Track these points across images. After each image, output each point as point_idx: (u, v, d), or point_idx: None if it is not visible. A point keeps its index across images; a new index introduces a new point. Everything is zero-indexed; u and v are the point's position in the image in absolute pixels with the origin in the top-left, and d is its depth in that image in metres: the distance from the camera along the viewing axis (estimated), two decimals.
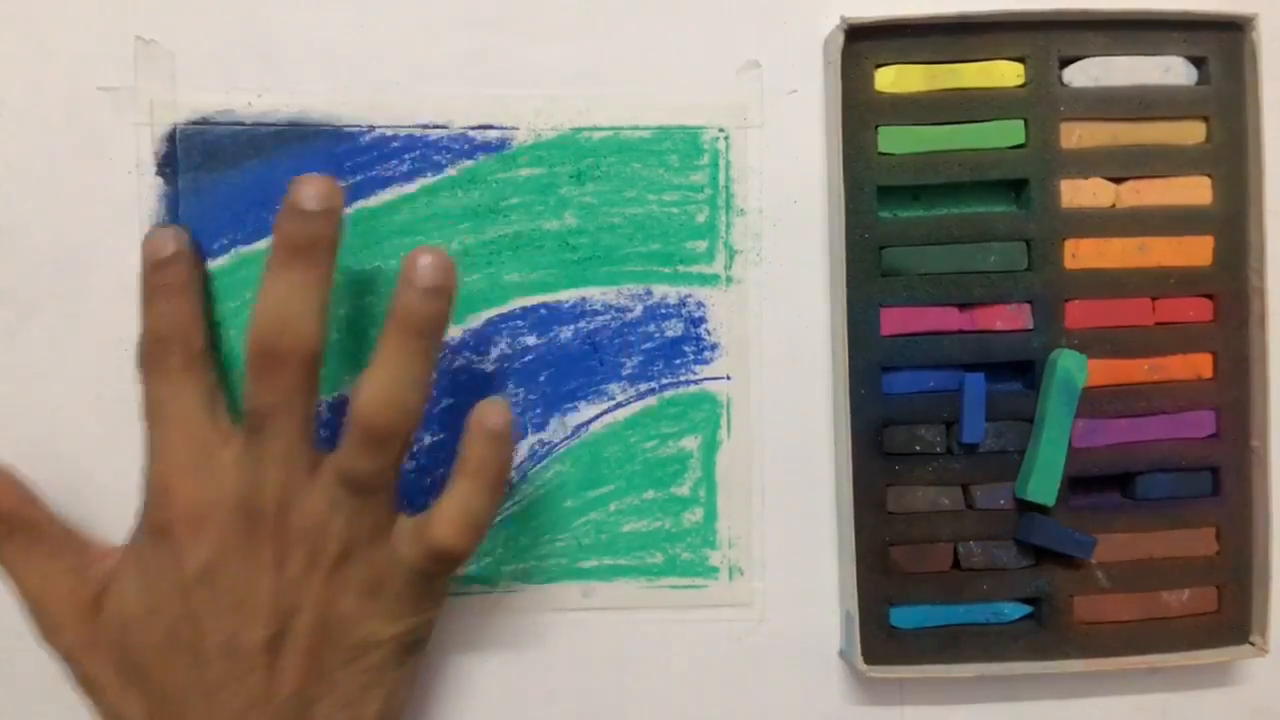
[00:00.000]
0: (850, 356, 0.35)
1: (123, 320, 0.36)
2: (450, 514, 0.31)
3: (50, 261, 0.35)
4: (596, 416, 0.37)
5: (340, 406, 0.36)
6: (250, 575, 0.29)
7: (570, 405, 0.37)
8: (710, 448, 0.37)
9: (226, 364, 0.35)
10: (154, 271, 0.33)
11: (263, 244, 0.36)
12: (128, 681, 0.30)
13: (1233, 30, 0.36)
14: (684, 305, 0.37)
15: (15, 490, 0.32)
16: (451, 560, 0.31)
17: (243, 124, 0.36)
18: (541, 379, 0.37)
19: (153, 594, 0.29)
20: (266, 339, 0.30)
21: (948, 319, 0.36)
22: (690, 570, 0.37)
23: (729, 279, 0.37)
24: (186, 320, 0.32)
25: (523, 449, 0.37)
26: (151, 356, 0.32)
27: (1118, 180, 0.36)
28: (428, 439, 0.36)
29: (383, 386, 0.30)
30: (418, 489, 0.36)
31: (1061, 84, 0.36)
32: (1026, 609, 0.37)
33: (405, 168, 0.36)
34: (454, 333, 0.36)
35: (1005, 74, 0.36)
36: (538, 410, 0.37)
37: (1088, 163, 0.36)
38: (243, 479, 0.30)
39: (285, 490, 0.30)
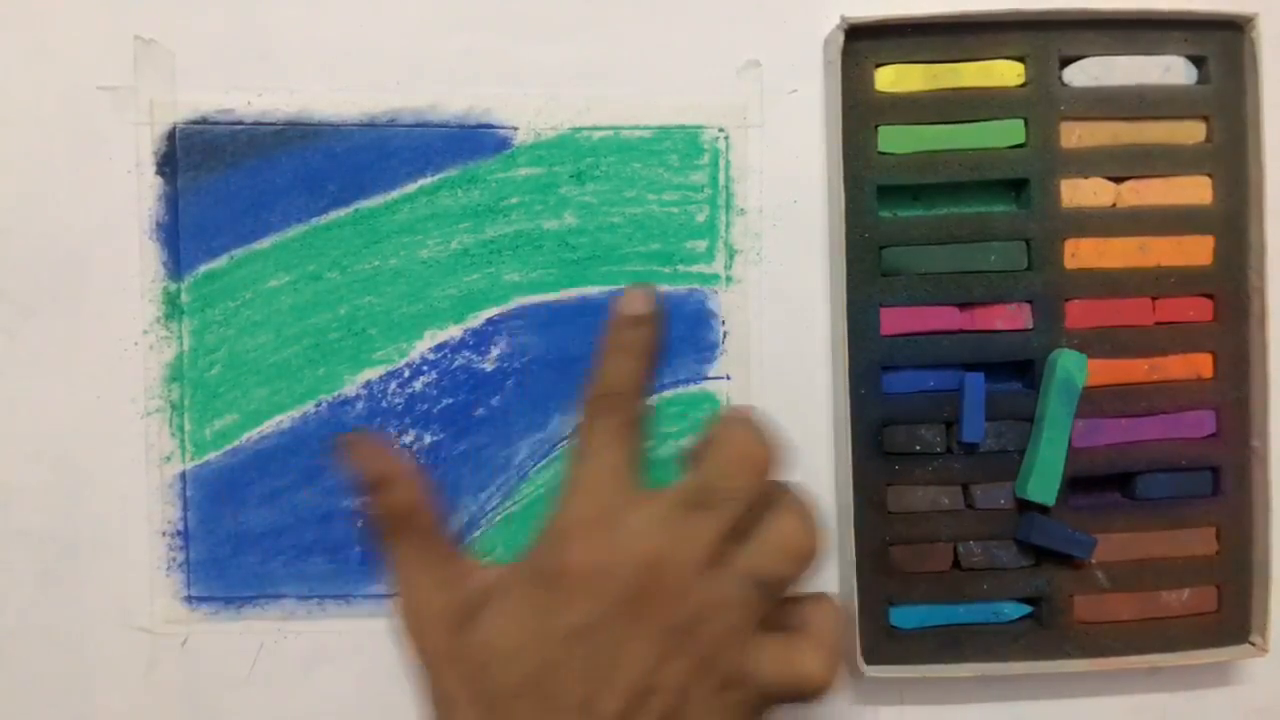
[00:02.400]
0: (850, 356, 0.35)
1: (123, 320, 0.36)
2: (819, 641, 0.30)
3: (50, 261, 0.35)
4: None
5: (340, 407, 0.36)
6: (627, 644, 0.28)
7: (570, 405, 0.37)
8: None
9: (227, 363, 0.35)
10: (626, 326, 0.33)
11: (262, 243, 0.36)
12: (478, 707, 0.29)
13: (1233, 30, 0.36)
14: (684, 305, 0.37)
15: (421, 491, 0.32)
16: (818, 696, 0.30)
17: (242, 123, 0.36)
18: (542, 378, 0.37)
19: (525, 634, 0.29)
20: (750, 434, 0.30)
21: (948, 319, 0.36)
22: None
23: (729, 279, 0.37)
24: (641, 382, 0.32)
25: (523, 449, 0.37)
26: (598, 404, 0.32)
27: (1118, 180, 0.36)
28: (428, 439, 0.36)
29: (807, 517, 0.30)
30: None
31: (1061, 83, 0.36)
32: (1026, 609, 0.37)
33: (405, 167, 0.36)
34: (454, 332, 0.36)
35: (1005, 73, 0.36)
36: (538, 410, 0.37)
37: (1088, 162, 0.36)
38: (655, 547, 0.29)
39: (694, 572, 0.29)
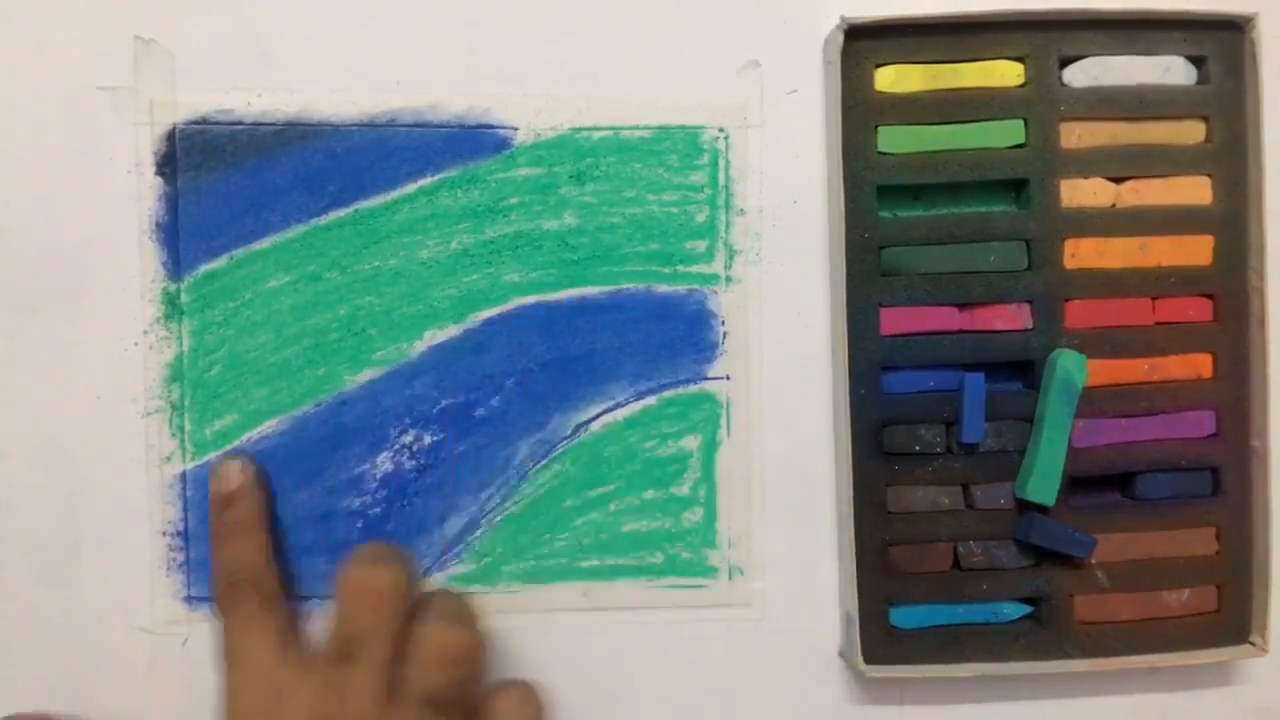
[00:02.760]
0: (850, 356, 0.35)
1: (123, 320, 0.36)
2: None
3: (50, 261, 0.35)
4: (596, 416, 0.37)
5: (340, 407, 0.36)
6: None
7: (570, 405, 0.37)
8: (710, 448, 0.37)
9: (227, 363, 0.36)
10: (222, 508, 0.34)
11: (262, 243, 0.36)
12: None
13: (1233, 30, 0.36)
14: (684, 305, 0.37)
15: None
16: None
17: (242, 124, 0.36)
18: (541, 379, 0.37)
19: None
20: (362, 571, 0.31)
21: (947, 319, 0.36)
22: (690, 570, 0.37)
23: (729, 279, 0.37)
24: (258, 560, 0.33)
25: (523, 449, 0.37)
26: (226, 599, 0.33)
27: (1118, 180, 0.36)
28: (428, 439, 0.36)
29: (444, 611, 0.31)
30: (419, 489, 0.36)
31: (1061, 84, 0.36)
32: (1026, 609, 0.37)
33: (405, 167, 0.36)
34: (453, 332, 0.36)
35: (1005, 74, 0.36)
36: (538, 410, 0.37)
37: (1088, 162, 0.36)
38: (326, 714, 0.30)
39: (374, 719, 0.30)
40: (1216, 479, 0.37)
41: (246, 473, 0.34)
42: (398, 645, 0.31)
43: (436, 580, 0.36)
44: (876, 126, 0.36)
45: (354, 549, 0.33)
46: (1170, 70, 0.36)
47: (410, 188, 0.36)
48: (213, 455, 0.36)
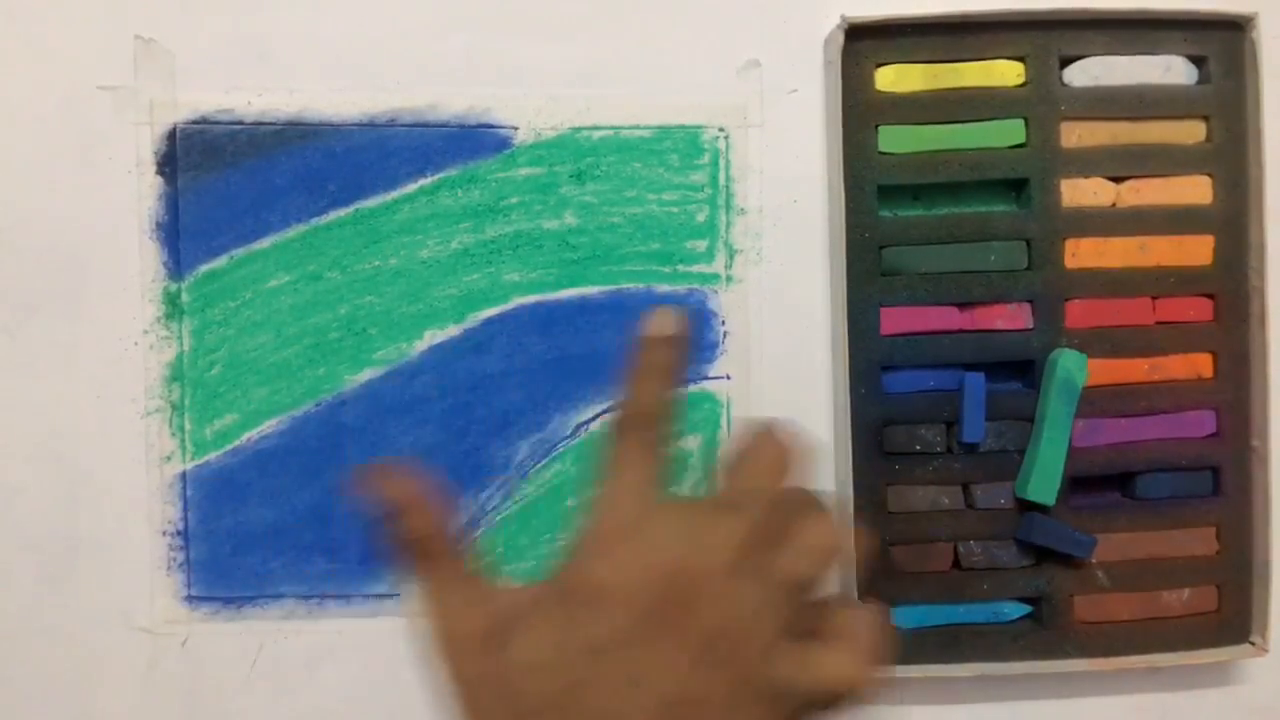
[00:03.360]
0: (850, 356, 0.35)
1: (123, 320, 0.36)
2: (851, 644, 0.29)
3: (50, 261, 0.35)
4: (597, 415, 0.37)
5: (340, 407, 0.36)
6: (656, 656, 0.28)
7: (570, 405, 0.37)
8: (710, 448, 0.37)
9: (228, 363, 0.35)
10: (654, 346, 0.33)
11: (262, 243, 0.36)
12: None
13: (1233, 30, 0.36)
14: (684, 305, 0.37)
15: (442, 515, 0.32)
16: (853, 699, 0.30)
17: (242, 123, 0.36)
18: (541, 378, 0.37)
19: (554, 651, 0.29)
20: (775, 440, 0.31)
21: (948, 318, 0.36)
22: None
23: (729, 278, 0.37)
24: (666, 403, 0.33)
25: (523, 449, 0.37)
26: (625, 423, 0.32)
27: (1118, 180, 0.36)
28: (428, 439, 0.36)
29: (825, 516, 0.30)
30: None
31: (1062, 83, 0.36)
32: (1026, 609, 0.37)
33: (405, 167, 0.36)
34: (453, 332, 0.36)
35: (1005, 73, 0.36)
36: (538, 410, 0.37)
37: (1088, 162, 0.36)
38: (679, 557, 0.29)
39: (720, 580, 0.29)
40: (1216, 479, 0.37)
41: (684, 324, 0.34)
42: (775, 521, 0.31)
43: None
44: (877, 126, 0.36)
45: (758, 424, 0.32)
46: (1170, 70, 0.36)
47: (410, 187, 0.36)
48: (212, 455, 0.36)
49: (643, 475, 0.31)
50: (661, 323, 0.33)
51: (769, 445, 0.31)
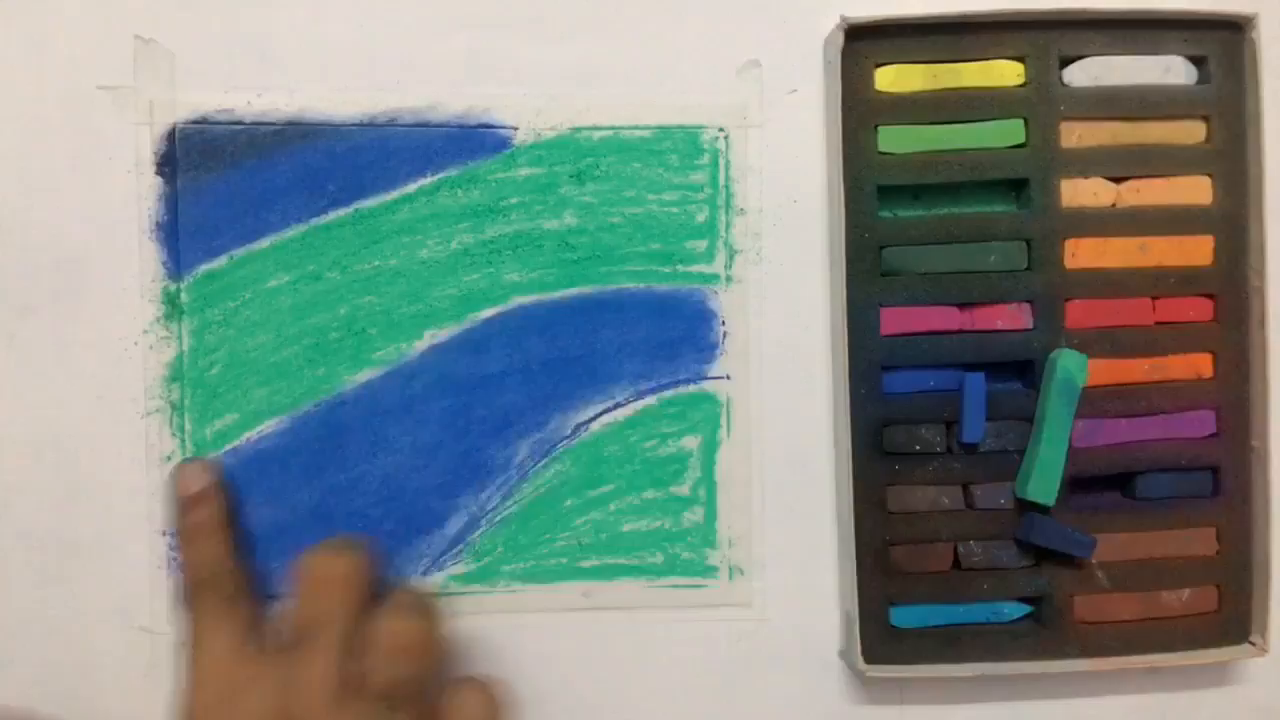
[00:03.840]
0: (850, 356, 0.35)
1: (123, 320, 0.36)
2: None
3: (50, 261, 0.35)
4: (596, 416, 0.37)
5: (340, 407, 0.36)
6: None
7: (570, 405, 0.37)
8: (710, 447, 0.37)
9: (227, 363, 0.36)
10: (185, 510, 0.34)
11: (261, 243, 0.36)
12: None
13: (1233, 30, 0.36)
14: (684, 305, 0.37)
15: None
16: None
17: (242, 123, 0.36)
18: (541, 379, 0.37)
19: None
20: (318, 559, 0.32)
21: (948, 319, 0.36)
22: (690, 570, 0.37)
23: (729, 279, 0.37)
24: (221, 561, 0.34)
25: (523, 448, 0.37)
26: (194, 590, 0.33)
27: (1118, 180, 0.36)
28: (428, 439, 0.36)
29: (408, 611, 0.31)
30: (419, 489, 0.36)
31: (1062, 83, 0.36)
32: (1026, 609, 0.37)
33: (405, 167, 0.36)
34: (453, 331, 0.36)
35: (1005, 73, 0.36)
36: (538, 410, 0.37)
37: (1088, 162, 0.36)
38: (277, 709, 0.30)
39: (329, 711, 0.30)
40: (1216, 479, 0.37)
41: (208, 474, 0.34)
42: (354, 636, 0.31)
43: (436, 580, 0.36)
44: (876, 126, 0.36)
45: (308, 555, 0.33)
46: (1170, 70, 0.36)
47: (410, 187, 0.36)
48: (212, 455, 0.36)
49: (226, 637, 0.32)
50: (187, 483, 0.34)
51: (316, 565, 0.32)
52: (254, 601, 0.34)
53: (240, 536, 0.35)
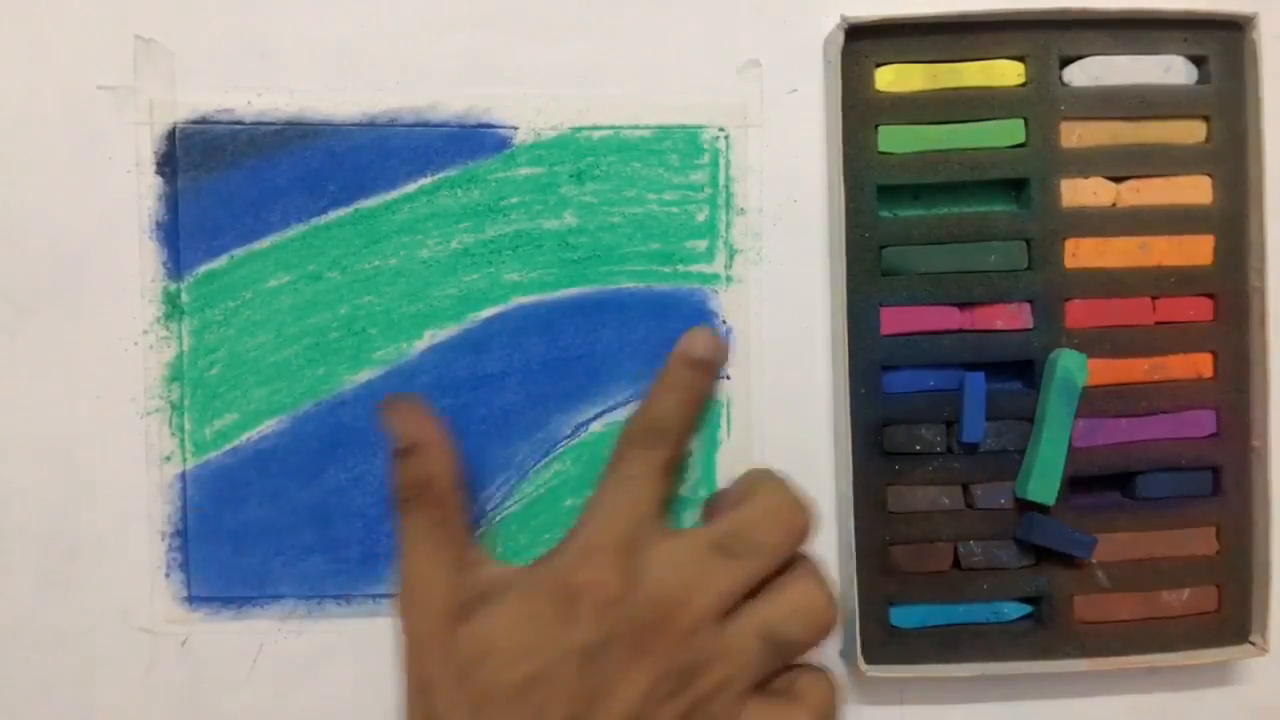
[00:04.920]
0: (850, 356, 0.35)
1: (123, 320, 0.36)
2: (813, 713, 0.30)
3: (50, 261, 0.35)
4: (597, 415, 0.37)
5: (340, 407, 0.36)
6: (625, 674, 0.28)
7: (570, 404, 0.37)
8: (710, 447, 0.37)
9: (227, 362, 0.36)
10: (685, 367, 0.33)
11: (262, 243, 0.36)
12: (462, 700, 0.28)
13: (1233, 30, 0.36)
14: (684, 305, 0.37)
15: (447, 466, 0.31)
16: None
17: (242, 123, 0.36)
18: (541, 378, 0.37)
19: (527, 639, 0.28)
20: (795, 498, 0.31)
21: (948, 318, 0.36)
22: None
23: (729, 278, 0.37)
24: (685, 428, 0.32)
25: (523, 449, 0.37)
26: (642, 436, 0.32)
27: (1118, 179, 0.36)
28: None
29: (827, 589, 0.30)
30: None
31: (1062, 83, 0.36)
32: (1026, 609, 0.37)
33: (405, 167, 0.36)
34: (453, 331, 0.36)
35: (1005, 73, 0.36)
36: (538, 410, 0.37)
37: (1088, 162, 0.36)
38: (673, 585, 0.29)
39: (706, 618, 0.29)
40: (1216, 479, 0.37)
41: (716, 348, 0.34)
42: (770, 574, 0.30)
43: None
44: (877, 126, 0.36)
45: (775, 474, 0.32)
46: (1171, 70, 0.36)
47: (410, 187, 0.36)
48: (212, 455, 0.36)
49: (651, 493, 0.31)
50: (697, 345, 0.33)
51: (782, 496, 0.30)
52: (678, 487, 0.33)
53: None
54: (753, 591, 0.30)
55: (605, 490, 0.31)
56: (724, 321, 0.37)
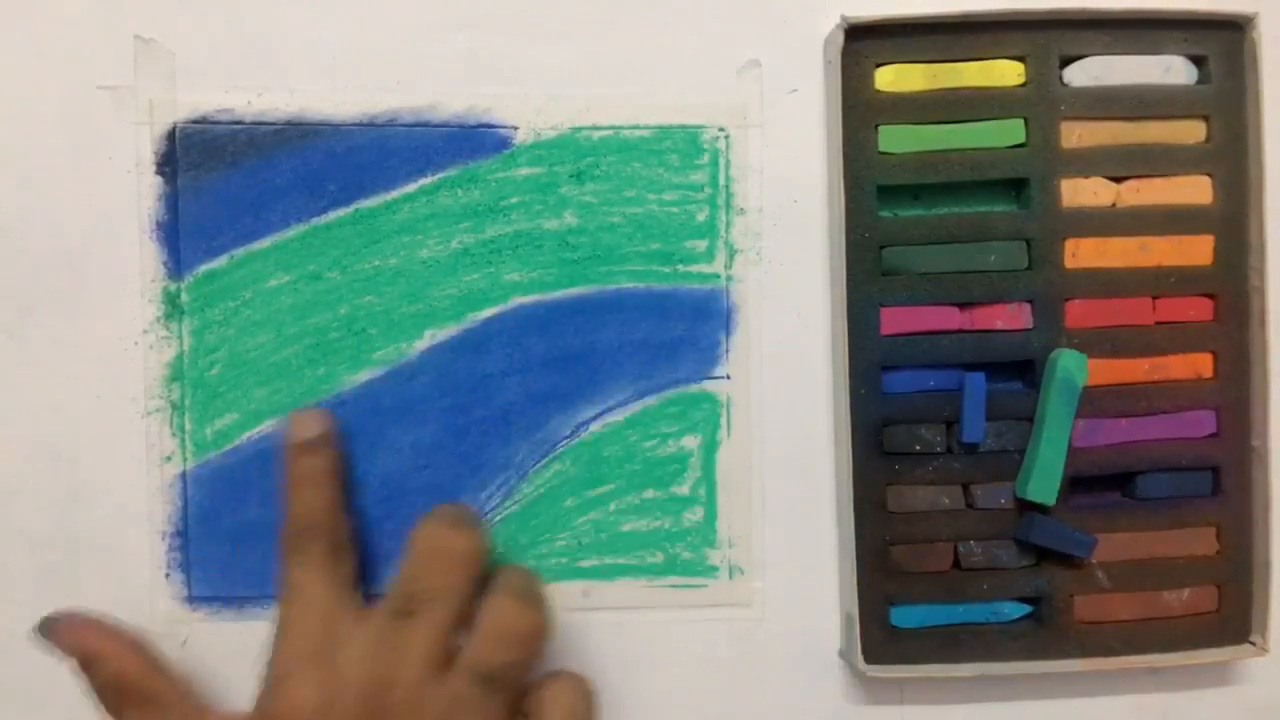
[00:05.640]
0: (850, 356, 0.35)
1: (123, 320, 0.36)
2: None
3: (50, 261, 0.35)
4: (596, 415, 0.37)
5: (340, 407, 0.36)
6: None
7: (570, 405, 0.37)
8: (710, 447, 0.37)
9: (227, 362, 0.36)
10: (299, 455, 0.33)
11: (262, 243, 0.36)
12: None
13: (1233, 30, 0.36)
14: (684, 305, 0.37)
15: (141, 661, 0.32)
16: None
17: (242, 123, 0.36)
18: (541, 378, 0.37)
19: None
20: (439, 531, 0.31)
21: (948, 318, 0.36)
22: (690, 570, 0.37)
23: (729, 278, 0.37)
24: (331, 510, 0.33)
25: (523, 449, 0.37)
26: (294, 543, 0.32)
27: (1118, 179, 0.36)
28: (428, 439, 0.36)
29: (519, 596, 0.31)
30: (418, 489, 0.36)
31: (1062, 83, 0.36)
32: (1026, 609, 0.37)
33: (405, 167, 0.36)
34: (453, 331, 0.36)
35: (1005, 73, 0.36)
36: (538, 410, 0.37)
37: (1088, 162, 0.36)
38: (373, 671, 0.29)
39: (421, 683, 0.29)
40: (1216, 479, 0.37)
41: (324, 421, 0.33)
42: (461, 613, 0.30)
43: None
44: (877, 126, 0.36)
45: (434, 509, 0.32)
46: (1171, 70, 0.36)
47: (410, 187, 0.36)
48: (212, 455, 0.36)
49: (325, 590, 0.31)
50: (304, 428, 0.33)
51: (434, 534, 0.31)
52: (356, 557, 0.33)
53: (348, 490, 0.34)
54: (457, 629, 0.30)
55: (283, 607, 0.32)
56: (724, 321, 0.37)
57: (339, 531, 0.33)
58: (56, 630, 0.32)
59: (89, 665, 0.32)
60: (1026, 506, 0.36)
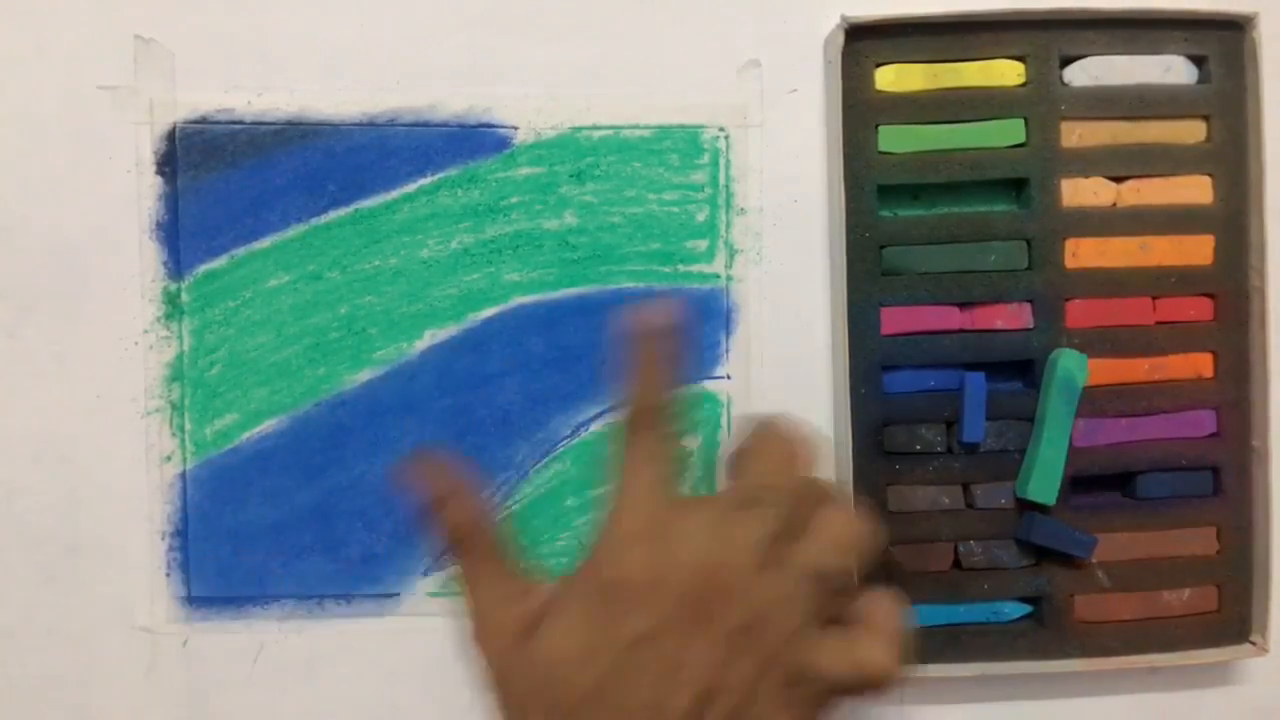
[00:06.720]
0: (850, 356, 0.35)
1: (123, 320, 0.36)
2: (880, 633, 0.30)
3: (50, 261, 0.35)
4: (597, 415, 0.37)
5: (340, 406, 0.36)
6: (691, 648, 0.29)
7: (570, 405, 0.37)
8: (710, 447, 0.37)
9: (228, 362, 0.35)
10: (651, 340, 0.32)
11: (262, 243, 0.36)
12: (550, 710, 0.29)
13: (1233, 30, 0.36)
14: (679, 298, 0.37)
15: (481, 509, 0.32)
16: (882, 686, 0.30)
17: (242, 123, 0.36)
18: (541, 378, 0.37)
19: (590, 643, 0.29)
20: (783, 435, 0.31)
21: (948, 318, 0.36)
22: None
23: (729, 278, 0.37)
24: (673, 394, 0.32)
25: (523, 449, 0.37)
26: (634, 420, 0.32)
27: (1118, 179, 0.36)
28: (428, 439, 0.36)
29: (850, 509, 0.31)
30: None
31: (1062, 83, 0.36)
32: (1027, 608, 0.37)
33: (405, 167, 0.36)
34: (453, 331, 0.36)
35: (1005, 73, 0.36)
36: (538, 410, 0.37)
37: (1088, 162, 0.36)
38: (711, 551, 0.29)
39: (750, 573, 0.29)
40: (1217, 479, 0.37)
41: (676, 313, 0.33)
42: (792, 520, 0.30)
43: (438, 580, 0.36)
44: (877, 126, 0.36)
45: (772, 418, 0.32)
46: (1171, 70, 0.36)
47: (410, 187, 0.36)
48: (212, 455, 0.36)
49: (657, 472, 0.31)
50: (657, 315, 0.33)
51: (778, 441, 0.32)
52: (683, 454, 0.33)
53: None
54: (787, 532, 0.30)
55: (618, 482, 0.32)
56: (724, 322, 0.37)
57: (675, 420, 0.32)
58: (417, 469, 0.32)
59: (440, 506, 0.32)
60: (1027, 506, 0.36)
